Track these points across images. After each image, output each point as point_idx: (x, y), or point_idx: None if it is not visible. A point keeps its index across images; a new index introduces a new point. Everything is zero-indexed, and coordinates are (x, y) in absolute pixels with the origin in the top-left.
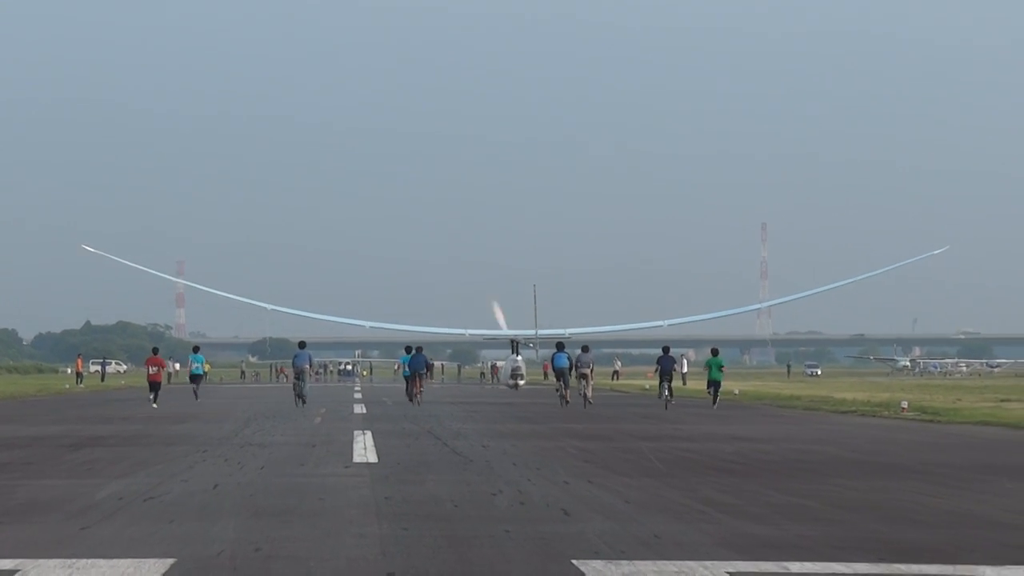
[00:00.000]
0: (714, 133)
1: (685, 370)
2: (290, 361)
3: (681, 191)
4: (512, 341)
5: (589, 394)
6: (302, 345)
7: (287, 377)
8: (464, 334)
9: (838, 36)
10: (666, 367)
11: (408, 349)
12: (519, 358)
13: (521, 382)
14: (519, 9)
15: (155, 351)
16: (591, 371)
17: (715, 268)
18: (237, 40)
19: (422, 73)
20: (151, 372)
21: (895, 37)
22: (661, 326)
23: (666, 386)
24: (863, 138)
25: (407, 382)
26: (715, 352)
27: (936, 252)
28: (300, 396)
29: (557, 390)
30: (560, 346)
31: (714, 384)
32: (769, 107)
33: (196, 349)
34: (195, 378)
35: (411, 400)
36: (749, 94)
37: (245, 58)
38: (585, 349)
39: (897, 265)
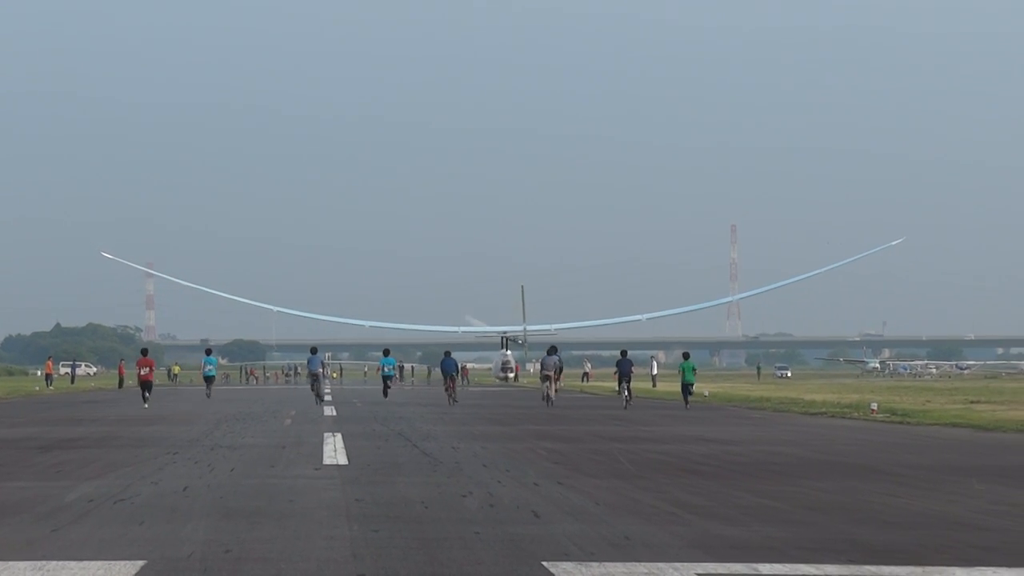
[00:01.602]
0: (696, 128)
1: (655, 372)
2: (260, 364)
3: (672, 188)
4: (503, 337)
5: (552, 395)
6: (314, 350)
7: (256, 379)
8: (457, 332)
9: (826, 32)
10: (624, 369)
11: (386, 352)
12: (509, 353)
13: (511, 375)
14: (508, 3)
15: (144, 352)
16: (554, 372)
17: (702, 265)
18: (234, 35)
19: (415, 67)
20: (142, 373)
21: (887, 31)
22: (640, 320)
23: (625, 387)
24: (846, 133)
25: (384, 382)
26: (687, 356)
27: (894, 243)
28: (319, 396)
29: (544, 391)
30: (552, 350)
31: (687, 386)
32: (753, 100)
33: (209, 352)
34: (208, 379)
35: (449, 400)
36: (740, 87)
37: (239, 52)
38: (549, 352)
39: (857, 257)
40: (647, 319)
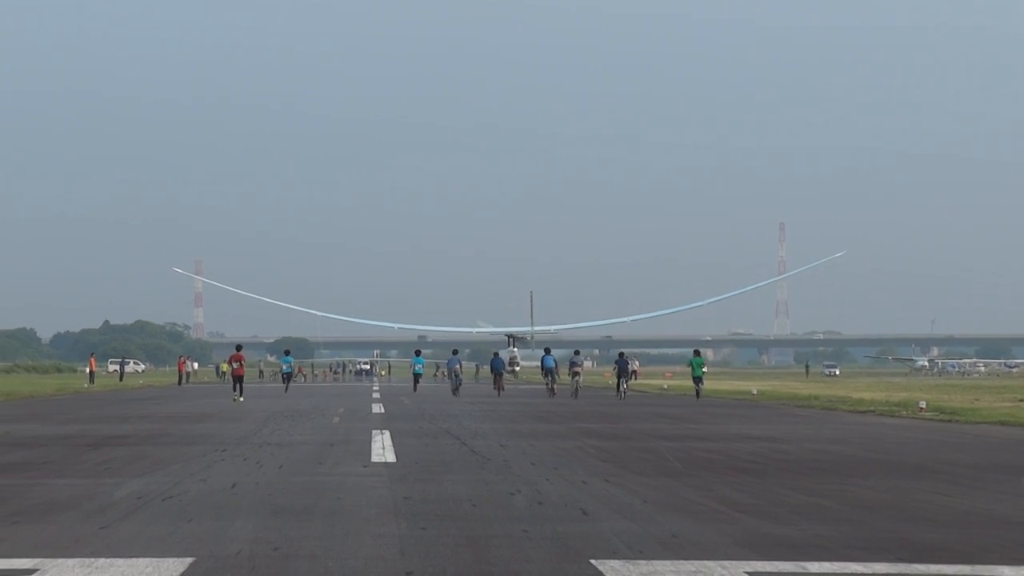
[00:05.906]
0: (724, 126)
1: None
2: (308, 361)
3: (699, 187)
4: (509, 336)
5: (570, 386)
6: (455, 352)
7: (305, 377)
8: (472, 332)
9: (844, 30)
10: (622, 366)
11: (417, 352)
12: (515, 349)
13: (518, 368)
14: (520, 1)
15: (238, 348)
16: (581, 368)
17: (750, 262)
18: (251, 38)
19: (442, 67)
20: (235, 368)
21: (950, 29)
22: (624, 322)
23: (623, 382)
24: (894, 133)
25: (414, 380)
26: (697, 353)
27: (837, 255)
28: (456, 389)
29: (546, 384)
30: (548, 350)
31: (697, 380)
32: (781, 99)
33: (287, 352)
34: (286, 376)
35: (498, 392)
36: (759, 86)
37: (251, 54)
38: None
39: (803, 268)
40: (631, 320)
